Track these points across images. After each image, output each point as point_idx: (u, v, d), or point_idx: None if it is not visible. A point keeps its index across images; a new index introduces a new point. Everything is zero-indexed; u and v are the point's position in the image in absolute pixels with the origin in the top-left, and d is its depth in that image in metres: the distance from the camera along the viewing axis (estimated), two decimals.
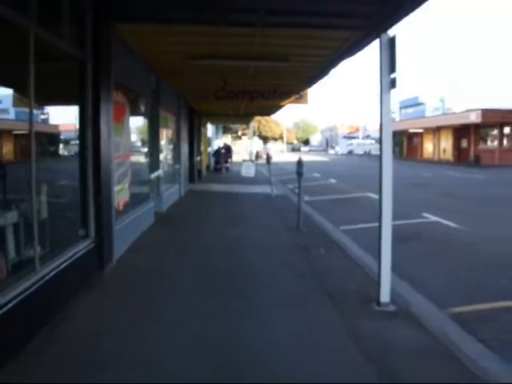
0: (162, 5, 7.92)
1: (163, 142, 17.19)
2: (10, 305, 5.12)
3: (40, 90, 6.24)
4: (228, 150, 42.61)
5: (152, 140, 15.22)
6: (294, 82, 15.93)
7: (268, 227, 13.98)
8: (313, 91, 79.72)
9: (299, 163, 13.38)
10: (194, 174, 27.64)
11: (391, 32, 6.99)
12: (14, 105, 7.41)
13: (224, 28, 8.88)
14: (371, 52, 6.90)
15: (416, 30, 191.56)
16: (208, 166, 37.93)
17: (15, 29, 5.79)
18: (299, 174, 13.40)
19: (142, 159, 14.51)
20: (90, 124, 8.12)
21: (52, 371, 5.02)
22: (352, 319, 6.66)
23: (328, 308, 7.13)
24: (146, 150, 15.00)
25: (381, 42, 6.97)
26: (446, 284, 8.81)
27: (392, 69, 6.88)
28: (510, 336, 6.39)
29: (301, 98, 19.49)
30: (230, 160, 42.06)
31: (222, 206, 18.81)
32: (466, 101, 60.38)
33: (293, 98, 19.39)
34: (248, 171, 31.14)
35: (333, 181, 31.37)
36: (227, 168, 38.65)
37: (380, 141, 7.13)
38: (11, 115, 7.08)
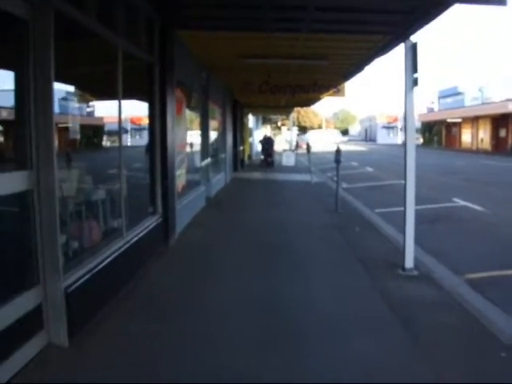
0: (217, 15, 9.31)
1: (211, 133, 18.63)
2: (106, 261, 6.57)
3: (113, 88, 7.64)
4: (269, 142, 36.37)
5: (202, 131, 16.66)
6: (332, 76, 17.25)
7: (308, 210, 15.34)
8: (352, 82, 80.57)
9: (337, 152, 14.72)
10: (237, 162, 29.08)
11: (414, 38, 8.27)
12: (78, 100, 8.57)
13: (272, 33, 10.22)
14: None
15: (458, 19, 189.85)
16: (250, 156, 39.18)
17: (105, 43, 7.19)
18: (337, 161, 14.74)
19: (194, 148, 15.89)
20: (158, 117, 9.57)
21: (137, 315, 6.51)
22: (379, 279, 7.96)
23: (360, 271, 8.45)
24: (197, 140, 16.38)
25: (405, 46, 8.24)
26: (465, 256, 9.98)
27: (414, 70, 8.12)
28: None
29: (338, 92, 20.87)
30: (272, 154, 35.59)
31: (264, 192, 20.18)
32: (507, 90, 60.10)
33: (331, 92, 20.75)
34: (288, 160, 32.57)
35: (370, 169, 32.34)
36: (273, 162, 33.97)
37: (405, 131, 8.43)
38: (55, 109, 7.31)
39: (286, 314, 6.56)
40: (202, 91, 15.92)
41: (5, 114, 5.27)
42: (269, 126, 71.27)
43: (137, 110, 9.61)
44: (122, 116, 7.88)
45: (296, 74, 16.44)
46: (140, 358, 5.15)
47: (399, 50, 9.94)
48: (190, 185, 13.45)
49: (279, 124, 74.89)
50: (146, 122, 9.76)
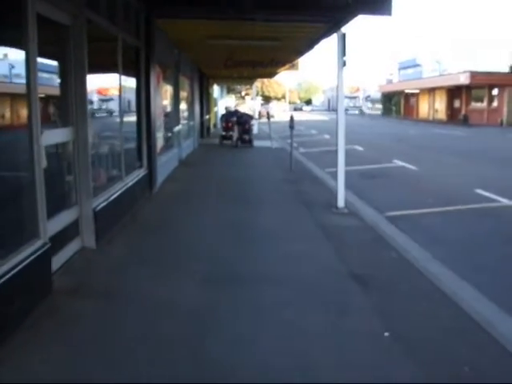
0: (190, 8, 11.67)
1: (182, 103, 21.03)
2: (115, 195, 9.01)
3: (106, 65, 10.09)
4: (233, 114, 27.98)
5: (175, 101, 19.03)
6: (286, 54, 19.99)
7: (266, 169, 18.01)
8: (317, 53, 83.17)
9: (291, 119, 17.39)
10: (203, 130, 31.49)
11: (345, 29, 10.79)
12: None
13: (233, 21, 12.65)
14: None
15: None
16: (215, 124, 41.45)
17: (107, 32, 9.51)
18: (291, 127, 17.42)
19: (169, 116, 18.22)
20: (143, 89, 11.93)
21: (137, 233, 9.05)
22: (316, 214, 10.53)
23: (302, 209, 11.02)
24: (170, 109, 18.78)
25: (337, 36, 10.71)
26: (390, 201, 12.54)
27: (344, 53, 10.60)
28: (416, 226, 10.18)
29: (293, 66, 23.65)
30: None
31: (228, 155, 22.71)
32: (464, 62, 62.16)
33: (287, 66, 23.46)
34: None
35: (327, 136, 34.66)
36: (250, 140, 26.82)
37: (337, 102, 10.96)
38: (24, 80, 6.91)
39: (243, 228, 9.28)
40: (174, 66, 18.27)
41: (57, 90, 7.62)
42: (233, 96, 73.01)
43: (103, 82, 10.72)
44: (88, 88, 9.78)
45: (255, 52, 18.96)
46: (141, 255, 7.72)
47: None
48: (166, 147, 15.92)
49: (243, 94, 76.61)
50: (113, 92, 10.94)
